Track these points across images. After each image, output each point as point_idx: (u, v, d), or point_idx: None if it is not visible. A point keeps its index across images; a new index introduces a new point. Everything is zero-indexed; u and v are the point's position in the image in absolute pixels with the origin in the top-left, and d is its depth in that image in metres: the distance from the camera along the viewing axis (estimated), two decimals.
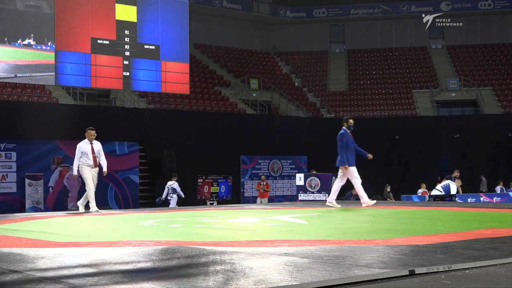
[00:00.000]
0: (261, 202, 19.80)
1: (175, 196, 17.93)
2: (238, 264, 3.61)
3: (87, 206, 10.69)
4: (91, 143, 10.53)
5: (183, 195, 18.26)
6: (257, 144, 23.12)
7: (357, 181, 10.08)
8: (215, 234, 5.97)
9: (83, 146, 10.49)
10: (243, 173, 22.96)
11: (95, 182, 10.58)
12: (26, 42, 18.44)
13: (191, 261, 3.86)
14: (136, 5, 20.20)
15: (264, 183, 20.99)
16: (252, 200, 21.93)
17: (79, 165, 10.44)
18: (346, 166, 9.96)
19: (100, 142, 10.79)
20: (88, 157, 10.41)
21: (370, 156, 10.22)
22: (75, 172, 10.50)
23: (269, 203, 18.82)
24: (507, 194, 18.36)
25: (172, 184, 18.07)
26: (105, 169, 10.69)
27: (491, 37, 33.82)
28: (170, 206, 17.58)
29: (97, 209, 10.46)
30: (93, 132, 10.62)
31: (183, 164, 20.63)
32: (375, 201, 10.41)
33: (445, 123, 25.73)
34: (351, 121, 10.23)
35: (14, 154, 17.92)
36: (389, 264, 3.48)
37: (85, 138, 10.62)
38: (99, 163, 10.60)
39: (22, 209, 17.35)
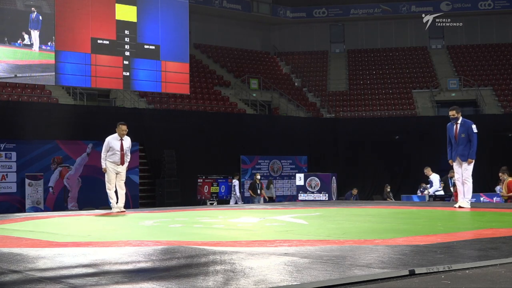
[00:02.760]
0: (258, 202, 19.81)
1: (236, 193, 19.44)
2: (238, 264, 3.61)
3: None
4: (121, 139, 9.88)
5: (238, 194, 19.78)
6: (257, 144, 23.13)
7: (456, 176, 9.51)
8: (215, 234, 5.97)
9: (112, 141, 9.85)
10: (243, 173, 22.96)
11: (123, 179, 9.94)
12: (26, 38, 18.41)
13: (191, 261, 3.86)
14: (136, 5, 20.20)
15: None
16: (252, 200, 21.91)
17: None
18: (450, 160, 9.41)
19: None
20: (115, 153, 9.78)
21: (450, 162, 9.48)
22: (103, 166, 9.83)
23: (268, 203, 18.80)
24: None
25: (235, 182, 19.41)
26: (125, 165, 10.03)
27: (491, 37, 33.82)
28: (230, 203, 19.01)
29: (120, 209, 9.78)
30: (124, 127, 9.90)
31: (183, 164, 20.64)
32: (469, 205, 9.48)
33: (445, 123, 25.66)
34: (449, 112, 9.55)
35: (14, 154, 17.92)
36: (389, 264, 3.48)
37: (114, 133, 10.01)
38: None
39: (22, 209, 17.35)
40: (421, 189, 15.96)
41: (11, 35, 18.45)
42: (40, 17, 18.72)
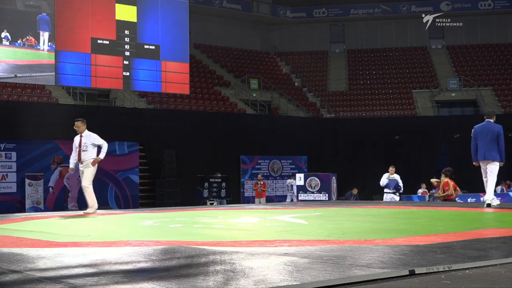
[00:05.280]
0: (259, 202, 19.82)
1: (293, 192, 20.39)
2: (238, 264, 3.61)
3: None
4: (81, 136, 9.76)
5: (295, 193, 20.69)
6: (257, 144, 23.13)
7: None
8: (215, 234, 5.97)
9: (75, 139, 9.83)
10: (243, 173, 22.96)
11: (84, 178, 9.65)
12: (3, 35, 18.36)
13: (191, 261, 3.86)
14: (136, 5, 20.20)
15: (262, 182, 21.02)
16: (252, 200, 21.94)
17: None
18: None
19: None
20: (75, 150, 9.69)
21: (474, 164, 9.51)
22: (71, 166, 9.86)
23: (269, 203, 18.82)
24: (507, 194, 18.37)
25: (291, 182, 20.28)
26: (86, 159, 9.60)
27: (491, 37, 33.82)
28: (286, 200, 20.18)
29: (89, 211, 9.54)
30: (76, 123, 9.81)
31: (183, 164, 20.63)
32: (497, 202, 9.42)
33: (445, 123, 25.72)
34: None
35: (14, 154, 17.92)
36: (389, 264, 3.48)
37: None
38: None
39: (22, 209, 17.36)
40: (392, 190, 15.62)
41: (11, 35, 18.45)
42: (49, 18, 18.74)
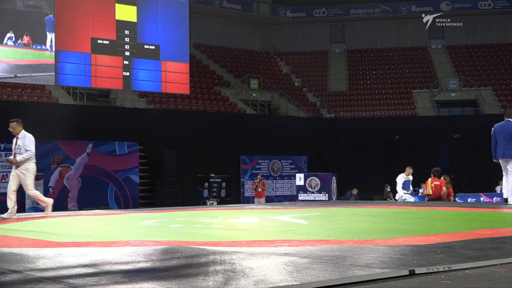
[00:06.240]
0: (259, 202, 19.80)
1: None
2: (238, 264, 3.61)
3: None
4: (17, 137, 9.22)
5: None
6: (257, 144, 23.13)
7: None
8: (215, 234, 5.97)
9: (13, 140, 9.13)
10: (243, 173, 22.96)
11: (17, 183, 9.23)
12: (8, 36, 18.35)
13: (191, 261, 3.85)
14: (136, 5, 20.21)
15: (258, 180, 21.01)
16: (252, 200, 21.94)
17: None
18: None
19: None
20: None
21: (495, 161, 9.74)
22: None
23: (268, 203, 18.81)
24: None
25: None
26: (15, 157, 9.19)
27: (491, 37, 33.81)
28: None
29: (8, 216, 8.72)
30: (11, 124, 9.31)
31: (183, 164, 20.63)
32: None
33: (445, 123, 25.71)
34: None
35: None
36: (389, 264, 3.48)
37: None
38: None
39: (22, 209, 17.33)
40: (408, 190, 15.70)
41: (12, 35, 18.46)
42: (53, 19, 18.79)
